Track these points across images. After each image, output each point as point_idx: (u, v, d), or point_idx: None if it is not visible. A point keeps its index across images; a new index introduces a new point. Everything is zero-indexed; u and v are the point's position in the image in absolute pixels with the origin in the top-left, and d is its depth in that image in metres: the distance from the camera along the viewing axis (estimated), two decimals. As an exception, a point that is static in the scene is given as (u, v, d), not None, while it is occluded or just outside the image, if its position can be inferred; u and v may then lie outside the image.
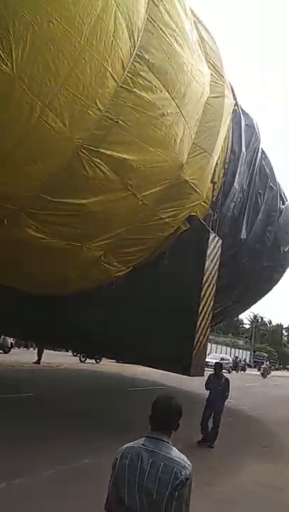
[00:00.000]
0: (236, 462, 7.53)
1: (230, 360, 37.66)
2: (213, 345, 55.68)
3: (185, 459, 1.99)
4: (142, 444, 2.05)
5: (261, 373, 36.92)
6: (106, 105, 5.32)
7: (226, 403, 8.50)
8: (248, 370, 43.55)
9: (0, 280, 7.67)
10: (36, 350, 17.47)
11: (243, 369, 38.80)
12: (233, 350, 58.48)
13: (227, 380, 8.30)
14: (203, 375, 7.87)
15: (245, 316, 75.14)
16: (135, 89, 5.55)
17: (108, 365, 20.42)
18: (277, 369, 54.83)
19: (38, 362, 16.47)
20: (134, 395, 13.14)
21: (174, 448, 2.02)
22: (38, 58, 4.35)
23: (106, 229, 6.92)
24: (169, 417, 2.07)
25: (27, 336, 13.93)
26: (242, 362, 43.61)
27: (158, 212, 7.31)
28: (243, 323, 79.49)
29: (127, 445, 2.12)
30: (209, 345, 54.37)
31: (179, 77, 6.15)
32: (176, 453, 2.00)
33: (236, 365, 37.84)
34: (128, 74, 5.43)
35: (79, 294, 8.32)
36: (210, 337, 53.28)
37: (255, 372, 41.86)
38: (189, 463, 1.98)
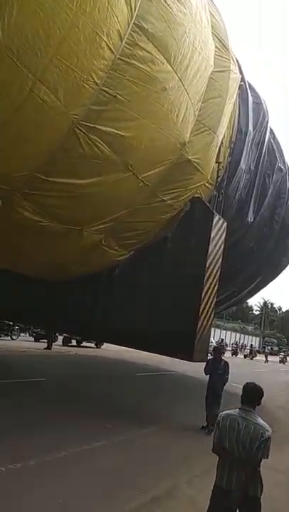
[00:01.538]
0: None
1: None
2: (222, 331, 55.78)
3: (266, 425, 3.12)
4: (237, 413, 3.19)
5: (280, 360, 37.02)
6: (103, 78, 5.02)
7: (226, 387, 8.33)
8: (258, 357, 43.42)
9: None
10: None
11: (254, 355, 38.42)
12: (242, 336, 58.46)
13: (226, 363, 8.15)
14: (206, 361, 7.70)
15: (255, 303, 74.96)
16: (134, 61, 5.23)
17: (111, 350, 20.39)
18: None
19: (48, 347, 16.50)
20: (143, 380, 13.32)
21: (259, 417, 3.16)
22: (26, 26, 4.07)
23: (106, 212, 6.68)
24: (255, 396, 3.25)
25: (29, 322, 13.85)
26: (254, 347, 43.21)
27: (160, 194, 7.03)
28: (252, 310, 79.31)
29: (226, 412, 3.28)
30: (218, 330, 54.78)
31: (181, 49, 5.80)
32: (260, 420, 3.14)
33: (235, 350, 37.31)
34: (126, 45, 5.10)
35: (80, 278, 8.15)
36: (219, 323, 53.09)
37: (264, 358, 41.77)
38: (269, 428, 3.12)
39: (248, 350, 39.70)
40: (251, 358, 36.43)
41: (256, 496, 3.11)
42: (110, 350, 20.17)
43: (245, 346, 45.55)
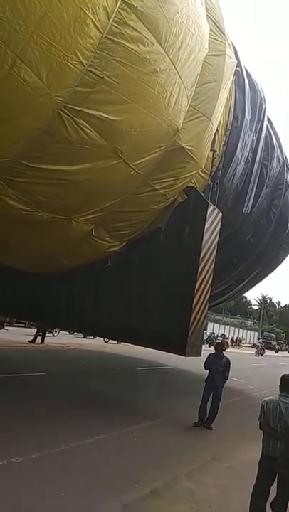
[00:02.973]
0: (240, 440, 7.40)
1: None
2: (221, 326, 55.70)
3: None
4: (278, 398, 4.16)
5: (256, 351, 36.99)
6: (89, 58, 4.75)
7: (226, 384, 8.18)
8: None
9: (-14, 256, 7.28)
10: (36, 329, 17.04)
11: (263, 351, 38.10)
12: (240, 330, 58.37)
13: (228, 360, 7.89)
14: (200, 356, 7.47)
15: (254, 297, 74.98)
16: (122, 41, 4.95)
17: (110, 344, 20.23)
18: (286, 350, 54.70)
19: (33, 341, 15.98)
20: (143, 375, 13.37)
21: None
22: (3, -3, 3.80)
23: (95, 201, 6.43)
24: None
25: (20, 314, 13.61)
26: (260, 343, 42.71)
27: (152, 183, 6.79)
28: (251, 304, 79.36)
29: (269, 397, 4.22)
30: (217, 325, 54.70)
31: (173, 29, 5.51)
32: None
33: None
34: (114, 23, 4.82)
35: (70, 271, 7.92)
36: (218, 318, 52.87)
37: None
38: None
39: (258, 347, 39.19)
40: (261, 354, 36.20)
41: None
42: (110, 344, 20.16)
43: (240, 341, 44.94)
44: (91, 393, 8.89)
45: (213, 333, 39.66)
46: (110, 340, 20.43)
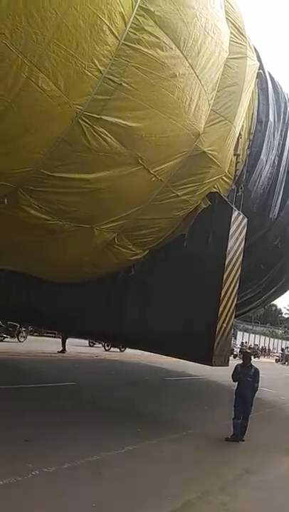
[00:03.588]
0: (274, 452, 7.31)
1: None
2: (251, 335, 54.57)
3: None
4: None
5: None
6: (106, 65, 4.72)
7: (256, 394, 7.91)
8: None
9: (11, 266, 7.33)
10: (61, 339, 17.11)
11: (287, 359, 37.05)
12: (271, 339, 57.00)
13: (257, 370, 7.60)
14: (227, 365, 7.23)
15: (284, 306, 73.13)
16: (140, 47, 4.90)
17: (137, 355, 20.12)
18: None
19: (62, 351, 16.19)
20: (171, 385, 13.30)
21: None
22: (18, 7, 3.82)
23: (117, 209, 6.38)
24: None
25: (40, 323, 13.68)
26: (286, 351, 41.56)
27: (174, 189, 6.68)
28: (281, 313, 77.41)
29: None
30: (247, 334, 53.57)
31: (192, 33, 5.43)
32: None
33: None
34: (131, 29, 4.78)
35: (94, 280, 7.89)
36: (247, 327, 51.84)
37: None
38: None
39: (281, 354, 38.16)
40: (284, 363, 35.15)
41: None
42: (137, 354, 20.06)
43: (270, 350, 43.82)
44: (121, 403, 8.92)
45: (244, 343, 38.89)
46: (112, 348, 20.51)
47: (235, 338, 43.15)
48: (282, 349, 43.02)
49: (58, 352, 16.03)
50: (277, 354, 38.32)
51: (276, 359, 36.35)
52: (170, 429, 7.37)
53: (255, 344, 41.75)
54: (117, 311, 8.02)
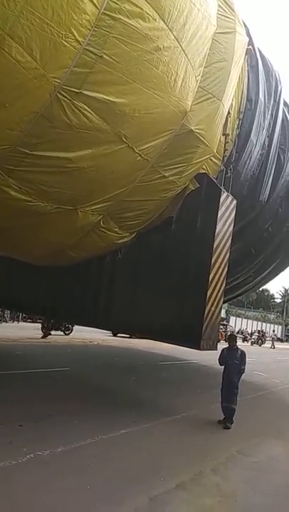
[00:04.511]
0: (266, 434, 7.33)
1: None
2: (244, 320, 54.94)
3: None
4: None
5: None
6: (86, 36, 4.48)
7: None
8: (280, 345, 42.51)
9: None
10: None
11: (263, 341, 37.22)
12: (264, 324, 57.46)
13: (243, 352, 7.54)
14: (216, 349, 7.16)
15: (277, 291, 73.69)
16: (121, 17, 4.65)
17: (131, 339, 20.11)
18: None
19: (44, 336, 15.96)
20: (165, 369, 13.31)
21: None
22: None
23: (101, 189, 6.17)
24: None
25: (29, 310, 13.55)
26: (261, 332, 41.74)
27: (161, 170, 6.48)
28: (274, 298, 77.97)
29: None
30: (239, 319, 53.89)
31: (176, 4, 5.18)
32: None
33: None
34: (111, -2, 4.55)
35: (81, 263, 7.71)
36: (240, 311, 52.05)
37: (287, 346, 41.04)
38: None
39: (256, 336, 38.25)
40: (259, 345, 35.37)
41: None
42: (131, 340, 20.07)
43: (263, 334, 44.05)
44: (116, 388, 8.97)
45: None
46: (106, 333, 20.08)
47: (228, 322, 43.41)
48: (259, 331, 42.85)
49: (42, 337, 15.85)
50: (269, 339, 38.48)
51: (252, 342, 36.37)
52: (164, 413, 7.41)
53: (261, 330, 41.87)
54: (104, 295, 7.87)
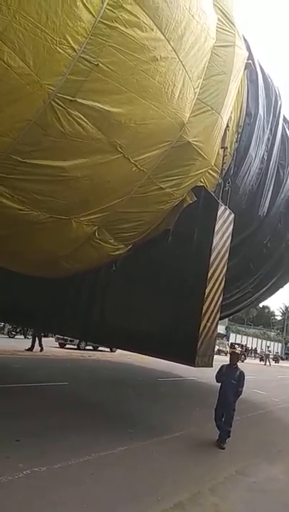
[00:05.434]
0: (265, 453, 7.17)
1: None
2: (244, 337, 54.38)
3: None
4: None
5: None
6: (81, 44, 4.43)
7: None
8: (281, 363, 42.00)
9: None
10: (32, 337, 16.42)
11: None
12: (263, 341, 56.89)
13: (242, 373, 7.27)
14: (211, 366, 6.94)
15: (277, 308, 73.28)
16: (118, 25, 4.61)
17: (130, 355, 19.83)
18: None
19: (31, 349, 15.51)
20: (163, 386, 13.16)
21: None
22: (-22, -29, 3.51)
23: (96, 200, 6.05)
24: None
25: (20, 322, 13.30)
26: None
27: (157, 181, 6.37)
28: (274, 315, 77.44)
29: None
30: (239, 336, 53.38)
31: (174, 14, 5.15)
32: None
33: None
34: (108, 6, 4.50)
35: (75, 275, 7.56)
36: (240, 328, 51.77)
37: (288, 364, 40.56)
38: None
39: (264, 355, 37.83)
40: (242, 361, 34.91)
41: None
42: (129, 354, 19.75)
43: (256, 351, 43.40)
44: (114, 404, 8.88)
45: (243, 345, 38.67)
46: (103, 349, 19.71)
47: (228, 340, 42.90)
48: (242, 346, 42.27)
49: (26, 350, 15.41)
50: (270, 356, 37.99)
51: (260, 358, 36.04)
52: (161, 431, 7.29)
53: (244, 344, 41.41)
54: (98, 309, 7.70)
